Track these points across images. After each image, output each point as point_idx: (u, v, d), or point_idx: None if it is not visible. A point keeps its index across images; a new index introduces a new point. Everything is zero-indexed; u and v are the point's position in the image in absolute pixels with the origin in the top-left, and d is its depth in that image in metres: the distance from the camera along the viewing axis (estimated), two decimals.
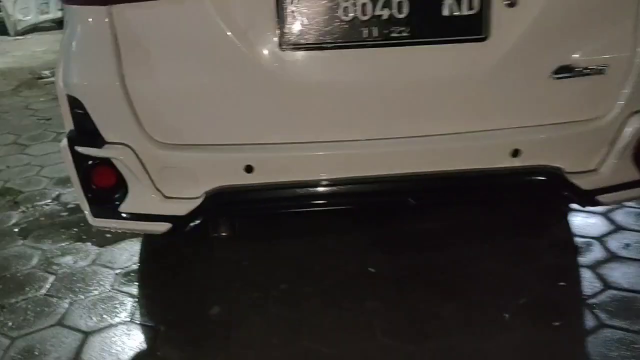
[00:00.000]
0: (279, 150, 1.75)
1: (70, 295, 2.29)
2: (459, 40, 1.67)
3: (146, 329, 2.09)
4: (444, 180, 1.79)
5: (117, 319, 2.13)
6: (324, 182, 1.76)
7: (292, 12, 1.63)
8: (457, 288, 2.21)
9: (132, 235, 2.63)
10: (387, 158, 1.76)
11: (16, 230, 2.83)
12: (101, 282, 2.36)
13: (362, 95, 1.71)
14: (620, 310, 2.05)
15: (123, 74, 1.67)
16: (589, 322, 2.01)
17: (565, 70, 1.71)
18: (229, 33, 1.63)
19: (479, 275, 2.28)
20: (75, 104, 1.72)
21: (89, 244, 2.65)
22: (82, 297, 2.27)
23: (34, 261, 2.54)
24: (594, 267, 2.29)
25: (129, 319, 2.13)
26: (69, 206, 3.02)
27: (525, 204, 2.62)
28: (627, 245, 2.42)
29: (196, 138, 1.75)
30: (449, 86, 1.71)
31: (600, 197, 1.84)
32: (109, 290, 2.31)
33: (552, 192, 1.87)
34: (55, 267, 2.49)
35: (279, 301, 2.20)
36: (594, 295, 2.14)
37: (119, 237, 2.65)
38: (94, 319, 2.14)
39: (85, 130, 1.74)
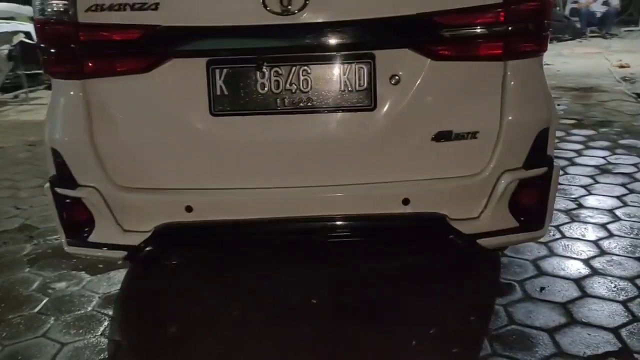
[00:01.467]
0: (213, 194, 2.17)
1: (57, 313, 2.72)
2: (353, 109, 2.09)
3: (111, 342, 2.49)
4: (347, 221, 2.18)
5: (90, 334, 2.54)
6: (247, 221, 2.17)
7: (220, 86, 2.08)
8: (382, 320, 2.55)
9: (119, 266, 3.07)
10: (300, 203, 2.16)
11: (26, 260, 3.31)
12: (85, 304, 2.79)
13: (278, 152, 2.13)
14: (516, 342, 2.36)
15: (92, 131, 2.14)
16: (484, 350, 2.32)
17: (444, 135, 2.10)
18: (172, 102, 2.09)
19: (405, 309, 2.62)
20: (56, 154, 2.20)
21: (83, 272, 3.09)
22: (67, 315, 2.70)
23: (34, 285, 2.99)
24: (506, 305, 2.61)
25: (100, 334, 2.54)
26: None
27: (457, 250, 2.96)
28: (542, 288, 2.73)
29: (148, 183, 2.19)
30: (347, 145, 2.12)
31: (481, 241, 2.19)
32: (90, 310, 2.73)
33: (438, 235, 2.23)
34: (50, 290, 2.94)
35: (228, 324, 2.58)
36: (497, 329, 2.45)
37: (109, 267, 3.09)
38: (72, 332, 2.56)
39: (63, 175, 2.21)
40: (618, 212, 3.52)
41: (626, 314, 2.50)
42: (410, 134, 2.11)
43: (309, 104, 2.08)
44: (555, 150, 4.54)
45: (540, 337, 2.38)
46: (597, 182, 4.05)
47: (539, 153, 2.17)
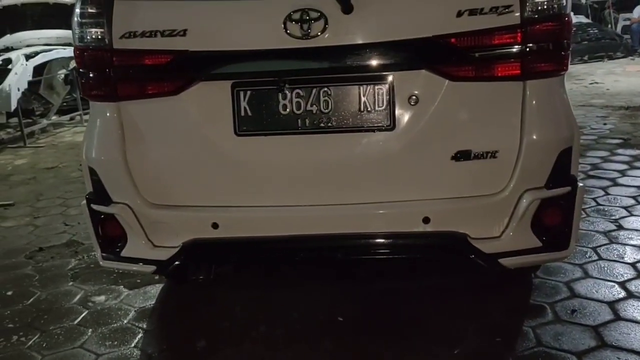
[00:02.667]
0: (237, 212, 2.25)
1: (95, 325, 2.83)
2: (372, 129, 2.14)
3: (143, 354, 2.59)
4: (369, 239, 2.22)
5: (124, 346, 2.64)
6: (270, 238, 2.24)
7: (244, 108, 2.17)
8: (405, 337, 2.56)
9: (156, 281, 3.18)
10: (321, 221, 2.21)
11: (70, 274, 3.46)
12: (122, 317, 2.90)
13: (299, 171, 2.19)
14: None
15: (125, 150, 2.25)
16: None
17: (463, 155, 2.12)
18: (199, 123, 2.19)
19: (429, 328, 2.62)
20: (92, 172, 2.32)
21: (122, 286, 3.22)
22: (104, 327, 2.82)
23: (76, 298, 3.13)
24: (534, 327, 2.57)
25: (133, 346, 2.64)
26: None
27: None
28: (574, 311, 2.68)
29: (176, 200, 2.29)
30: (367, 165, 2.17)
31: (503, 261, 2.19)
32: (126, 323, 2.84)
33: (459, 254, 2.23)
34: (90, 303, 3.07)
35: (255, 339, 2.63)
36: (523, 350, 2.42)
37: (146, 282, 3.21)
38: (107, 344, 2.67)
39: (98, 192, 2.33)
40: None
41: None
42: (430, 154, 2.14)
43: (330, 124, 2.15)
44: (598, 171, 4.66)
45: None
46: (639, 203, 3.94)
47: (562, 172, 2.16)
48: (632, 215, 3.75)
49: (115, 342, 2.68)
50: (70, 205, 4.85)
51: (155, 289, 3.15)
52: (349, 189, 2.19)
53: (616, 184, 4.38)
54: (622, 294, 2.80)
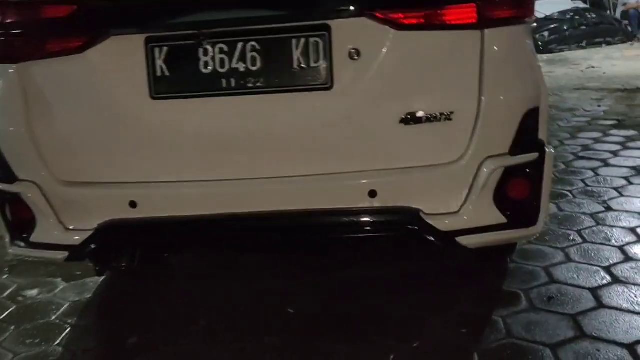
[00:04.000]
0: (157, 188, 1.95)
1: (19, 322, 2.54)
2: (307, 89, 1.84)
3: (66, 353, 2.30)
4: (306, 218, 1.92)
5: (46, 344, 2.35)
6: (196, 218, 1.94)
7: (161, 67, 1.87)
8: (360, 331, 2.27)
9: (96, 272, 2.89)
10: (253, 197, 1.92)
11: (7, 267, 3.16)
12: (51, 312, 2.60)
13: (226, 140, 1.90)
14: (509, 358, 2.04)
15: (29, 120, 1.96)
16: None
17: (413, 118, 1.82)
18: (110, 85, 1.90)
19: (390, 321, 2.33)
20: None
21: (59, 279, 2.91)
22: (29, 324, 2.53)
23: (7, 292, 2.83)
24: (505, 316, 2.28)
25: (57, 344, 2.35)
26: None
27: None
28: (550, 298, 2.38)
29: (89, 176, 1.99)
30: (302, 131, 1.87)
31: (462, 239, 1.89)
32: (54, 319, 2.55)
33: (410, 232, 1.93)
34: (20, 298, 2.77)
35: (193, 335, 2.35)
36: (490, 343, 2.14)
37: (86, 274, 2.92)
38: (28, 342, 2.38)
39: (1, 169, 2.04)
40: None
41: None
42: (374, 117, 1.84)
43: (259, 84, 1.85)
44: (589, 152, 4.34)
45: (539, 353, 2.05)
46: (630, 184, 3.63)
47: (528, 137, 1.86)
48: (622, 196, 3.45)
49: (37, 340, 2.40)
50: None
51: (93, 283, 2.85)
52: (283, 160, 1.90)
53: (607, 165, 4.07)
54: (607, 279, 2.51)
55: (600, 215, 3.17)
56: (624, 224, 3.04)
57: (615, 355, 2.00)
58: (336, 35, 1.80)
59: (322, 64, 1.81)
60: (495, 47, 1.80)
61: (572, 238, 2.91)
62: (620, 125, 5.25)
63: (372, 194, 1.87)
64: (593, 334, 2.13)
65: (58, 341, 2.37)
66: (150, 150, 1.93)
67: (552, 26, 11.26)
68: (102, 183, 1.99)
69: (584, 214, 3.21)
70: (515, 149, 1.85)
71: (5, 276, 3.04)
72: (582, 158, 4.27)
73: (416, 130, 1.83)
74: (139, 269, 2.26)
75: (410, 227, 1.89)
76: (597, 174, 3.86)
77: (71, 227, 2.04)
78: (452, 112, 1.82)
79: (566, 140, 4.77)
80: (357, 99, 1.82)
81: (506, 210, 1.90)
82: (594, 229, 3.01)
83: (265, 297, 2.58)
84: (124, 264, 2.15)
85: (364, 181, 1.88)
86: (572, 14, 12.07)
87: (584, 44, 11.89)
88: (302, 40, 1.81)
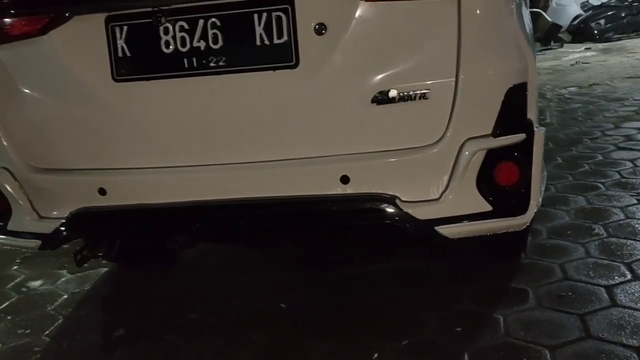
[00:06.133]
0: (125, 175, 1.89)
1: (16, 312, 2.54)
2: (271, 67, 1.73)
3: (53, 344, 2.28)
4: (275, 205, 1.81)
5: (35, 335, 2.33)
6: (162, 206, 1.86)
7: (122, 47, 1.80)
8: (350, 329, 2.15)
9: (103, 265, 2.87)
10: (219, 184, 1.83)
11: (20, 258, 3.20)
12: (48, 303, 2.60)
13: (189, 124, 1.81)
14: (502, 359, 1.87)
15: None
16: None
17: (385, 97, 1.68)
18: (72, 68, 1.84)
19: (380, 318, 2.20)
20: None
21: (65, 271, 2.91)
22: (24, 315, 2.52)
23: (12, 283, 2.85)
24: (507, 315, 2.10)
25: (45, 335, 2.33)
26: None
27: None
28: (560, 296, 2.19)
29: (60, 163, 1.95)
30: (267, 112, 1.76)
31: (442, 229, 1.74)
32: (49, 310, 2.54)
33: (386, 221, 1.78)
34: (24, 289, 2.78)
35: (179, 328, 2.28)
36: (485, 342, 1.97)
37: (91, 266, 2.90)
38: (19, 333, 2.37)
39: None
40: None
41: None
42: (344, 96, 1.72)
43: (221, 63, 1.75)
44: (631, 142, 4.04)
45: (536, 354, 1.87)
46: None
47: (513, 115, 1.69)
48: None
49: (28, 331, 2.39)
50: None
51: (97, 274, 2.84)
52: (249, 144, 1.80)
53: None
54: (627, 276, 2.28)
55: (631, 208, 2.92)
56: None
57: (621, 358, 1.80)
58: (300, 9, 1.68)
59: (286, 40, 1.70)
60: (473, 15, 1.64)
61: (595, 232, 2.69)
62: None
63: (345, 179, 1.75)
64: (599, 334, 1.93)
65: (47, 332, 2.36)
66: (116, 135, 1.87)
67: (609, 13, 10.64)
68: (71, 170, 1.95)
69: (614, 206, 2.96)
70: (498, 130, 1.68)
71: (15, 267, 3.07)
72: (623, 149, 3.97)
73: (390, 110, 1.69)
74: (118, 259, 2.19)
75: (385, 215, 1.74)
76: (635, 165, 3.57)
77: (44, 215, 2.00)
78: (428, 90, 1.67)
79: (609, 131, 4.46)
80: (325, 77, 1.70)
81: (491, 197, 1.73)
82: (622, 222, 2.77)
83: (260, 292, 2.49)
84: (100, 254, 2.10)
85: (335, 166, 1.75)
86: (631, 0, 11.39)
87: (632, 34, 11.20)
88: (265, 15, 1.70)
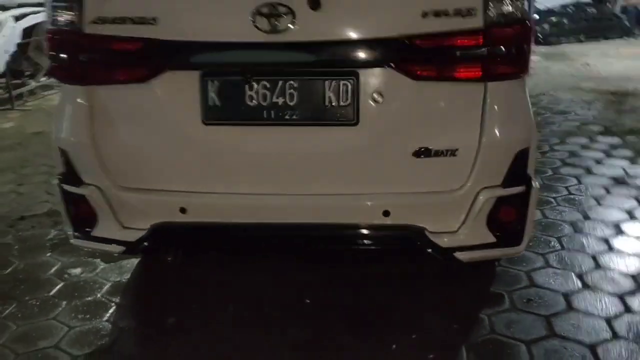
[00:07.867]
0: (204, 198, 2.32)
1: (69, 298, 2.92)
2: (336, 124, 2.21)
3: (115, 328, 2.69)
4: (331, 229, 2.30)
5: (96, 319, 2.74)
6: (234, 225, 2.32)
7: (212, 98, 2.22)
8: (368, 323, 2.65)
9: (132, 256, 3.26)
10: (285, 210, 2.29)
11: (49, 244, 3.54)
12: (96, 290, 2.99)
13: (264, 160, 2.26)
14: (492, 352, 2.45)
15: (94, 134, 2.30)
16: (459, 358, 2.42)
17: (424, 152, 2.19)
18: (168, 110, 2.24)
19: (393, 315, 2.72)
20: (63, 153, 2.38)
21: (99, 260, 3.28)
22: (78, 300, 2.91)
23: (53, 270, 3.21)
24: (490, 315, 2.68)
25: (105, 320, 2.74)
26: None
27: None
28: (529, 300, 2.78)
29: (145, 184, 2.36)
30: (330, 157, 2.24)
31: (458, 254, 2.28)
32: (99, 297, 2.93)
33: (417, 246, 2.32)
34: (66, 275, 3.15)
35: (222, 320, 2.72)
36: (476, 337, 2.53)
37: (123, 257, 3.28)
38: (79, 317, 2.77)
39: (69, 173, 2.39)
40: (624, 226, 3.51)
41: (607, 331, 2.54)
42: (391, 149, 2.21)
43: (295, 116, 2.20)
44: (575, 158, 4.71)
45: (516, 348, 2.45)
46: (609, 194, 4.03)
47: (518, 172, 2.24)
48: (600, 205, 3.84)
49: (88, 315, 2.78)
50: (55, 174, 4.88)
51: (130, 264, 3.22)
52: (313, 180, 2.26)
53: (590, 173, 4.45)
54: (578, 285, 2.90)
55: (579, 224, 3.57)
56: (599, 234, 3.43)
57: (579, 353, 2.41)
58: (363, 81, 2.15)
59: (350, 103, 2.17)
60: (495, 97, 2.15)
61: (552, 245, 3.30)
62: (607, 131, 5.60)
63: (386, 213, 2.25)
64: (562, 333, 2.53)
65: (106, 317, 2.76)
66: (200, 165, 2.29)
67: (553, 19, 11.56)
68: (156, 190, 2.35)
69: (565, 221, 3.60)
70: (507, 182, 2.23)
71: (49, 253, 3.41)
72: (568, 165, 4.64)
73: (426, 162, 2.20)
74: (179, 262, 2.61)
75: (416, 242, 2.27)
76: (579, 182, 4.24)
77: (128, 226, 2.40)
78: (456, 149, 2.19)
79: (556, 146, 5.12)
80: (378, 134, 2.19)
81: (496, 232, 2.29)
82: (572, 236, 3.40)
83: (289, 289, 2.94)
84: (170, 258, 2.53)
85: (379, 202, 2.25)
86: (573, 7, 12.34)
87: (582, 38, 12.20)
88: (334, 83, 2.16)
